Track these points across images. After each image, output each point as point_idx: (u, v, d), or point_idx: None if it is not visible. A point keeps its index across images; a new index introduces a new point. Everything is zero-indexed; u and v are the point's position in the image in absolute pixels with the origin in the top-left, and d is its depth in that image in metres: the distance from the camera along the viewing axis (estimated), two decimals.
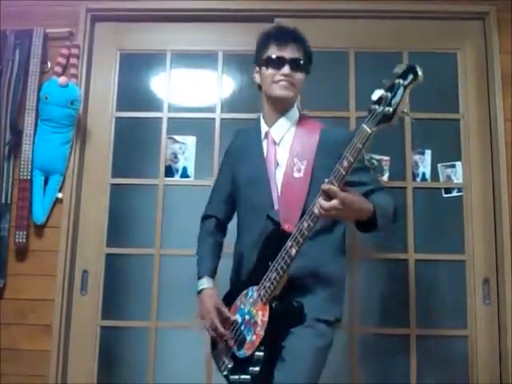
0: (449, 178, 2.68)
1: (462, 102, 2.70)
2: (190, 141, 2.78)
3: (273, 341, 1.74)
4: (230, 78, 2.85)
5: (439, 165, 2.69)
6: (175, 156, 2.76)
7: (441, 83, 2.72)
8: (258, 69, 1.97)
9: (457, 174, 2.67)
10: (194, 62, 2.88)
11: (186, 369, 2.59)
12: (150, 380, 2.57)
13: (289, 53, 1.87)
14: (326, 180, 1.59)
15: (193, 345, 2.58)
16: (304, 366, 1.71)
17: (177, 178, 2.75)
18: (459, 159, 2.67)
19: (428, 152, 2.70)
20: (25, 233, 2.57)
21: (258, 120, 2.01)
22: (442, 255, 2.62)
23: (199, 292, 1.95)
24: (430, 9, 2.72)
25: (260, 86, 1.98)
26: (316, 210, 1.60)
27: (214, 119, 2.75)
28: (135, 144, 2.84)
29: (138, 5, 2.78)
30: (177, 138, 2.78)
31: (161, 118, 2.76)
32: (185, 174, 2.74)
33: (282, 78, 1.86)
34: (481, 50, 2.72)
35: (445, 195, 2.68)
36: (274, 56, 1.88)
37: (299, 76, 1.90)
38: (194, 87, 2.88)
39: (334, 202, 1.56)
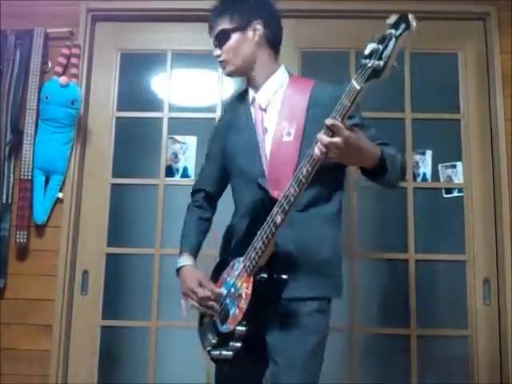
0: (449, 178, 2.68)
1: (462, 102, 2.70)
2: (191, 141, 2.78)
3: (256, 320, 1.61)
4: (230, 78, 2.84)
5: (440, 165, 2.69)
6: (176, 156, 2.76)
7: (441, 83, 2.72)
8: None
9: (457, 174, 2.67)
10: (194, 62, 2.88)
11: (186, 369, 2.59)
12: (151, 380, 2.57)
13: (213, 32, 1.81)
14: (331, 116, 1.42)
15: (193, 345, 2.58)
16: (301, 370, 1.61)
17: (177, 178, 2.75)
18: (460, 159, 2.67)
19: (429, 152, 2.70)
20: (25, 233, 2.57)
21: (247, 86, 1.90)
22: (443, 255, 2.62)
23: (178, 270, 1.84)
24: (430, 9, 2.72)
25: None
26: (316, 150, 1.43)
27: (214, 119, 2.74)
28: (136, 144, 2.84)
29: (139, 5, 2.78)
30: (177, 137, 2.78)
31: (161, 118, 2.76)
32: (185, 174, 2.75)
33: (218, 60, 1.83)
34: (481, 50, 2.72)
35: (445, 195, 2.68)
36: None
37: (229, 45, 1.79)
38: (194, 87, 2.88)
39: (337, 139, 1.40)
